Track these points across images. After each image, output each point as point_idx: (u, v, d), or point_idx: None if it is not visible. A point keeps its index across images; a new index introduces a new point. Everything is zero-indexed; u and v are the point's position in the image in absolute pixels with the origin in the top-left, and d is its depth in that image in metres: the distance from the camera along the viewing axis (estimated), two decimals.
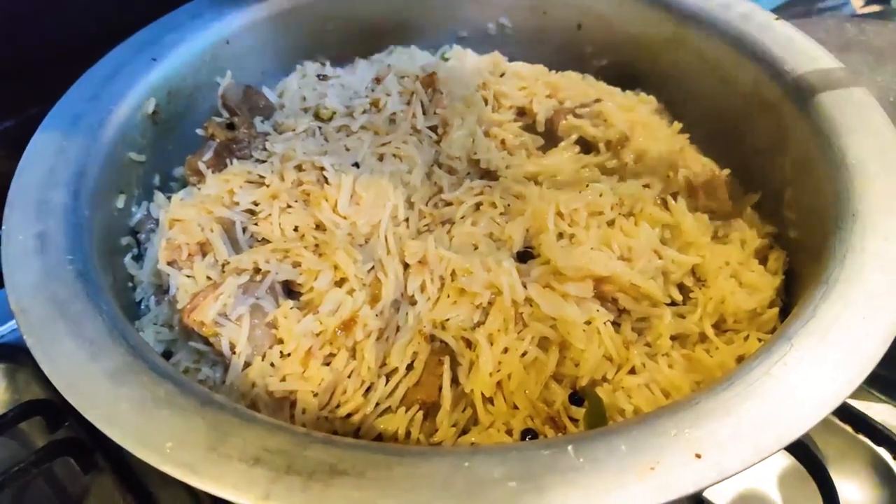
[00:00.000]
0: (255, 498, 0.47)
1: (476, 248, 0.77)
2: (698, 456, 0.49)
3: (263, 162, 0.86)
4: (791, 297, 0.77)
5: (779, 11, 0.98)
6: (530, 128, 0.95)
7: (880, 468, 0.86)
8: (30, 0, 1.01)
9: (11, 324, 1.05)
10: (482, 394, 0.67)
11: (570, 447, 0.49)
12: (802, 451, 0.81)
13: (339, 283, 0.72)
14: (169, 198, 0.83)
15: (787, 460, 0.84)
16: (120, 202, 0.82)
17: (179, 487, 0.84)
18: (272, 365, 0.69)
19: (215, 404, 0.53)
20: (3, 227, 0.68)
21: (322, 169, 0.80)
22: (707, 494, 0.81)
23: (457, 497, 0.47)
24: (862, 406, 0.88)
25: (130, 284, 0.81)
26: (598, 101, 0.94)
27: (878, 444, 0.86)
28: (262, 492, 0.47)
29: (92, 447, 0.87)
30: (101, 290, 0.64)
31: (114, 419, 0.52)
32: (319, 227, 0.77)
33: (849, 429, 0.87)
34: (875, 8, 1.62)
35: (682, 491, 0.47)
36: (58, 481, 0.88)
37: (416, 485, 0.48)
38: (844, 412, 0.87)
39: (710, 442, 0.49)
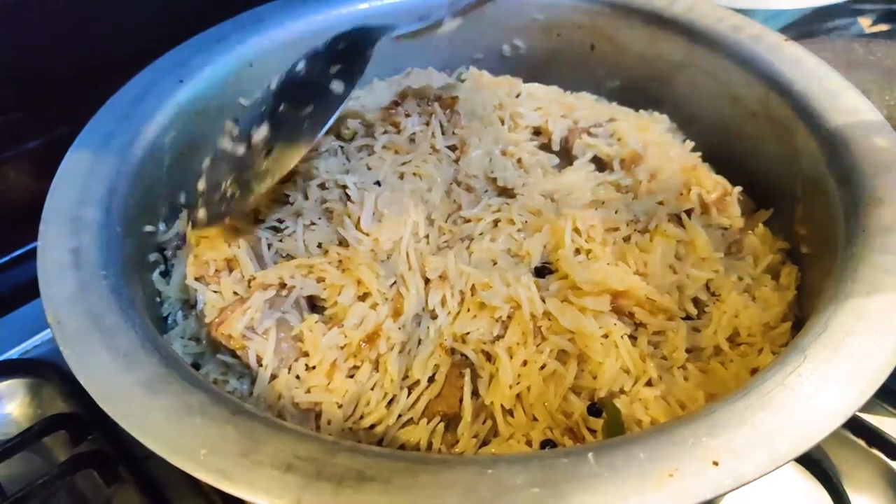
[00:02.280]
0: (288, 503, 0.48)
1: (495, 263, 0.78)
2: (715, 463, 0.50)
3: (287, 181, 0.88)
4: (803, 311, 0.78)
5: (787, 31, 1.00)
6: (546, 147, 0.96)
7: (894, 482, 0.87)
8: (57, 24, 1.05)
9: (35, 339, 1.07)
10: (502, 406, 0.68)
11: (590, 455, 0.51)
12: (817, 465, 0.82)
13: (363, 297, 0.74)
14: None
15: (801, 475, 0.84)
16: (148, 219, 0.84)
17: (202, 500, 0.85)
18: (298, 377, 0.70)
19: (246, 413, 0.55)
20: (39, 244, 0.70)
21: (345, 187, 0.82)
22: None
23: (481, 503, 0.48)
24: (875, 421, 0.88)
25: (158, 300, 0.82)
26: (612, 120, 0.95)
27: (893, 459, 0.86)
28: (293, 497, 0.49)
29: (115, 460, 0.88)
30: (133, 303, 0.66)
31: (149, 428, 0.54)
32: (342, 243, 0.78)
33: (863, 443, 0.88)
34: (883, 27, 1.63)
35: (700, 497, 0.48)
36: (81, 494, 0.89)
37: (442, 491, 0.49)
38: (858, 426, 0.88)
39: (727, 450, 0.50)
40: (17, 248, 1.14)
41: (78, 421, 0.92)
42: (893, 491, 0.86)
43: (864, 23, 1.65)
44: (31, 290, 1.07)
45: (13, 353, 1.06)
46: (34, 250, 0.70)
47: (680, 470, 0.49)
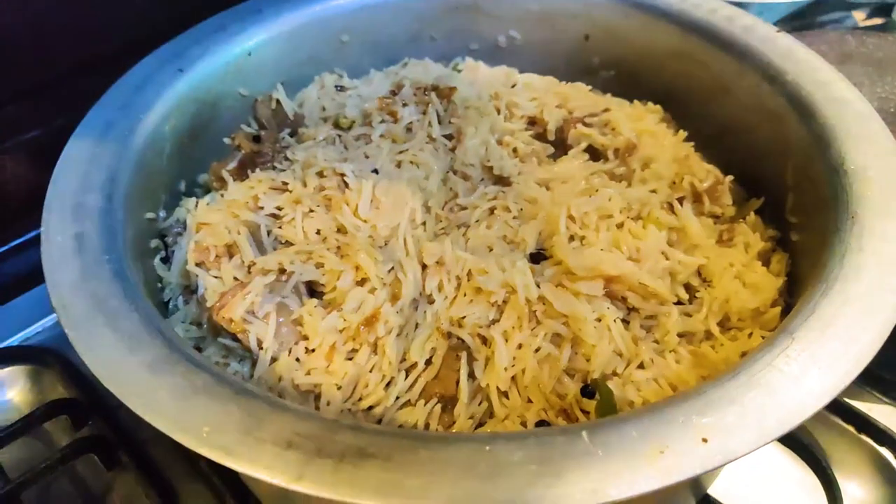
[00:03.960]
0: (289, 479, 0.50)
1: (491, 249, 0.79)
2: (705, 440, 0.51)
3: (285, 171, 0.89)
4: (793, 297, 0.79)
5: (780, 24, 1.01)
6: (541, 136, 0.97)
7: (882, 467, 0.89)
8: (55, 13, 1.05)
9: (35, 327, 1.08)
10: (497, 388, 0.69)
11: (584, 433, 0.52)
12: (807, 451, 0.84)
13: (361, 282, 0.75)
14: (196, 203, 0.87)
15: (792, 461, 0.86)
16: (149, 206, 0.85)
17: (202, 484, 0.87)
18: (298, 360, 0.71)
19: (249, 393, 0.56)
20: (42, 229, 0.71)
21: (343, 175, 0.83)
22: (713, 492, 0.83)
23: (480, 478, 0.49)
24: (864, 407, 0.90)
25: (159, 285, 0.83)
26: (606, 110, 0.96)
27: (881, 445, 0.88)
28: (295, 473, 0.50)
29: (115, 444, 0.89)
30: (136, 287, 0.67)
31: (153, 406, 0.55)
32: (341, 230, 0.79)
33: (852, 429, 0.90)
34: (876, 21, 1.64)
35: (690, 472, 0.50)
36: (82, 479, 0.91)
37: (441, 467, 0.50)
38: (848, 413, 0.89)
39: (716, 427, 0.52)
40: (17, 237, 1.15)
41: (78, 406, 0.93)
42: (882, 475, 0.88)
43: (859, 16, 1.66)
44: (30, 279, 1.09)
45: (14, 340, 1.07)
46: (33, 240, 0.71)
47: (671, 447, 0.51)
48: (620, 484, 0.49)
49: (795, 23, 1.58)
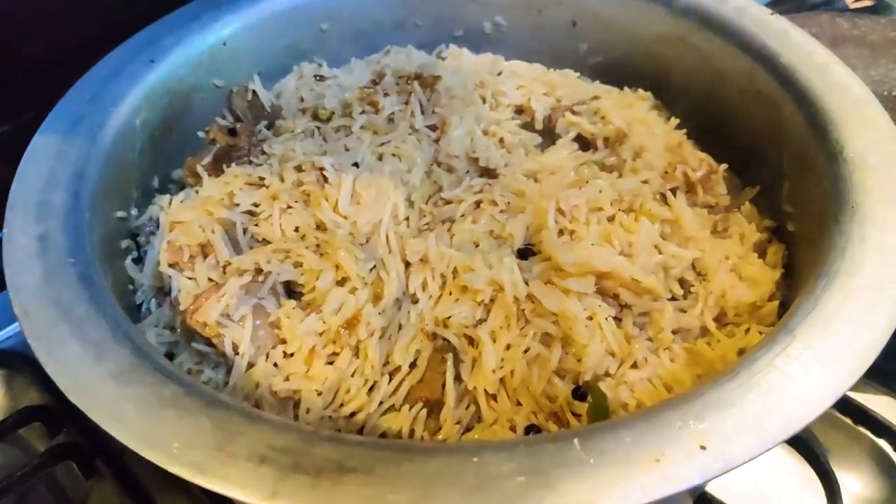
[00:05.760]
0: (263, 497, 0.47)
1: (477, 245, 0.77)
2: (703, 447, 0.49)
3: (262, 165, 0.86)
4: (790, 289, 0.77)
5: (771, 6, 0.99)
6: (528, 126, 0.95)
7: (880, 459, 0.87)
8: (24, 6, 1.02)
9: (7, 330, 1.05)
10: (485, 390, 0.67)
11: (576, 440, 0.50)
12: (803, 444, 0.82)
13: (342, 282, 0.72)
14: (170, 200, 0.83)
15: (788, 454, 0.84)
16: (119, 204, 0.82)
17: (180, 493, 0.84)
18: (276, 365, 0.69)
19: (221, 404, 0.53)
20: (4, 231, 0.68)
21: (322, 169, 0.80)
22: (709, 489, 0.81)
23: (467, 492, 0.47)
24: (861, 398, 0.88)
25: (131, 287, 0.81)
26: (595, 98, 0.94)
27: (878, 436, 0.86)
28: (269, 490, 0.47)
29: (92, 452, 0.87)
30: (103, 292, 0.64)
31: (120, 420, 0.52)
32: (320, 227, 0.76)
33: (849, 421, 0.88)
34: (866, 2, 1.63)
35: (688, 482, 0.47)
36: (60, 487, 0.88)
37: (426, 481, 0.48)
38: (845, 405, 0.87)
39: (715, 433, 0.50)
40: None
41: (52, 413, 0.91)
42: (880, 468, 0.87)
43: None
44: None
45: None
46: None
47: (667, 455, 0.49)
48: (615, 495, 0.47)
49: (785, 5, 1.56)
